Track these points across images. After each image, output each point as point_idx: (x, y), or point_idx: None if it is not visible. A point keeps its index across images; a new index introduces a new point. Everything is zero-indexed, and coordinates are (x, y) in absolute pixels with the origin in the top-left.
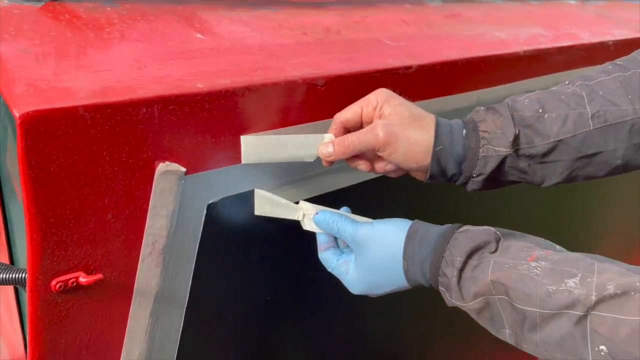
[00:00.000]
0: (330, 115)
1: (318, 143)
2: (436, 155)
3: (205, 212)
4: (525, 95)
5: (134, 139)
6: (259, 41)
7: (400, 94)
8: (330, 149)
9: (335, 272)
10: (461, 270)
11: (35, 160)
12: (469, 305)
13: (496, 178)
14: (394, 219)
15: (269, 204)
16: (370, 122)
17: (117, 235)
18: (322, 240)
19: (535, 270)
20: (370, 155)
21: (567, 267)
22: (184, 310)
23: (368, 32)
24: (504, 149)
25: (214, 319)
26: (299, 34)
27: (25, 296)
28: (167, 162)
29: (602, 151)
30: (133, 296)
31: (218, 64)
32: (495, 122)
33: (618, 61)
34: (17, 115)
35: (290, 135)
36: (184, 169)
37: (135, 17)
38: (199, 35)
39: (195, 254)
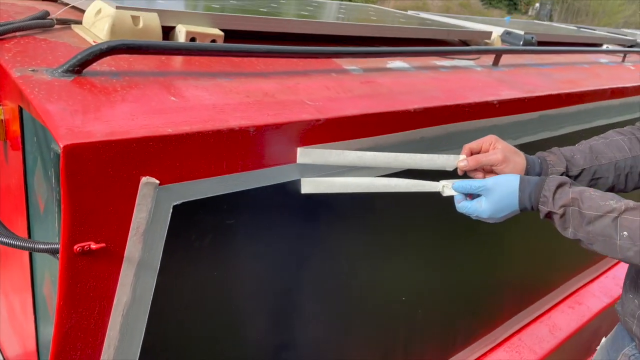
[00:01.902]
0: (262, 151)
1: (456, 159)
2: (526, 172)
3: (171, 210)
4: (562, 148)
5: (127, 161)
6: (213, 102)
7: (313, 138)
8: (465, 162)
9: (471, 210)
10: (554, 193)
11: (70, 173)
12: (556, 211)
13: None
14: (506, 174)
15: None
16: (487, 152)
17: (114, 221)
18: (458, 198)
19: (593, 194)
20: (486, 169)
21: (609, 195)
22: (157, 273)
23: (296, 95)
24: (562, 169)
25: (176, 281)
26: (243, 96)
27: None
28: (148, 177)
29: (601, 177)
30: (123, 261)
31: (183, 117)
32: (555, 157)
33: (602, 136)
34: (61, 145)
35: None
36: (158, 181)
37: (131, 85)
38: (172, 98)
39: (165, 237)
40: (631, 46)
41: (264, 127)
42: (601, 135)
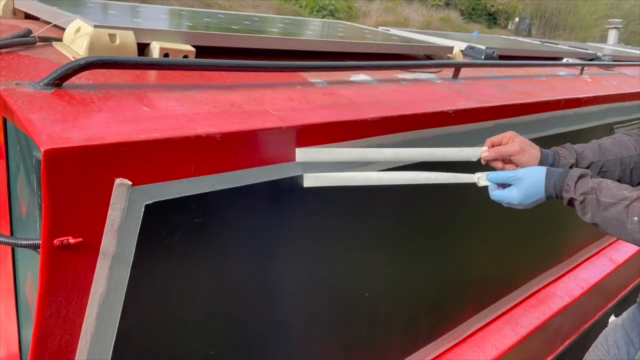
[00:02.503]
0: (228, 156)
1: (479, 150)
2: (540, 162)
3: (143, 209)
4: (575, 145)
5: (102, 164)
6: (183, 111)
7: (276, 144)
8: (487, 153)
9: (503, 197)
10: (576, 183)
11: (50, 174)
12: (577, 198)
13: None
14: (535, 166)
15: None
16: (506, 144)
17: (91, 218)
18: (492, 188)
19: (610, 185)
20: (505, 159)
21: (623, 186)
22: (130, 266)
23: (261, 105)
24: (572, 162)
25: (148, 274)
26: (211, 107)
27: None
28: (121, 178)
29: (608, 170)
30: (99, 255)
31: (154, 125)
32: (567, 151)
33: (611, 136)
34: (42, 150)
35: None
36: (130, 183)
37: (107, 97)
38: (145, 108)
39: (137, 233)
40: (591, 59)
41: (229, 134)
42: (610, 135)
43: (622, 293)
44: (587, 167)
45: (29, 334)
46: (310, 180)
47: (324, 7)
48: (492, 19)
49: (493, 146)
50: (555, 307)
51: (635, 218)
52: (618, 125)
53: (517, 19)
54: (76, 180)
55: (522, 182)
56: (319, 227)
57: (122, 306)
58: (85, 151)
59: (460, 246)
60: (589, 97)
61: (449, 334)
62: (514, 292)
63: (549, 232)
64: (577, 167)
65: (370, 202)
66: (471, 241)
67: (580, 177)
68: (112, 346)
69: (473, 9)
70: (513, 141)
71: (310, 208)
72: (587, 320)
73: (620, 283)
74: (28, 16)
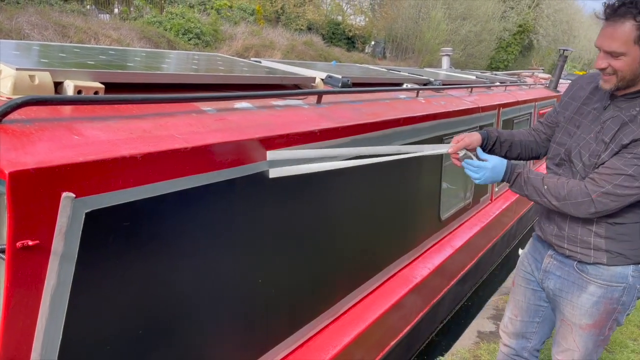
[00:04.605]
0: (149, 170)
1: (446, 147)
2: (482, 140)
3: (84, 216)
4: (496, 129)
5: (51, 181)
6: (107, 138)
7: (184, 163)
8: (453, 148)
9: (473, 174)
10: (520, 170)
11: (13, 190)
12: (519, 179)
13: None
14: (496, 157)
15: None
16: (462, 139)
17: (44, 224)
18: (468, 162)
19: (533, 170)
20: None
21: (540, 172)
22: (74, 263)
23: (168, 130)
24: (497, 135)
25: (88, 268)
26: (128, 133)
27: None
28: (67, 192)
29: (513, 146)
30: (51, 254)
31: (88, 150)
32: (494, 130)
33: (516, 130)
34: (7, 172)
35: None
36: (74, 195)
37: (43, 130)
38: (76, 137)
39: (80, 235)
40: (425, 84)
41: (147, 154)
42: (528, 128)
43: (460, 273)
44: (503, 142)
45: None
46: (276, 172)
47: (189, 30)
48: (351, 43)
49: (457, 142)
50: (410, 285)
51: (546, 187)
52: (446, 137)
53: (373, 43)
54: (32, 195)
55: (489, 170)
56: (221, 231)
57: (69, 295)
58: (39, 172)
59: (335, 238)
60: (422, 115)
61: (328, 312)
62: (377, 274)
63: (403, 224)
64: (498, 139)
65: (261, 207)
66: (343, 234)
67: (520, 167)
68: (62, 327)
69: (333, 33)
70: (464, 138)
71: (211, 216)
72: (434, 296)
73: (457, 265)
74: None
